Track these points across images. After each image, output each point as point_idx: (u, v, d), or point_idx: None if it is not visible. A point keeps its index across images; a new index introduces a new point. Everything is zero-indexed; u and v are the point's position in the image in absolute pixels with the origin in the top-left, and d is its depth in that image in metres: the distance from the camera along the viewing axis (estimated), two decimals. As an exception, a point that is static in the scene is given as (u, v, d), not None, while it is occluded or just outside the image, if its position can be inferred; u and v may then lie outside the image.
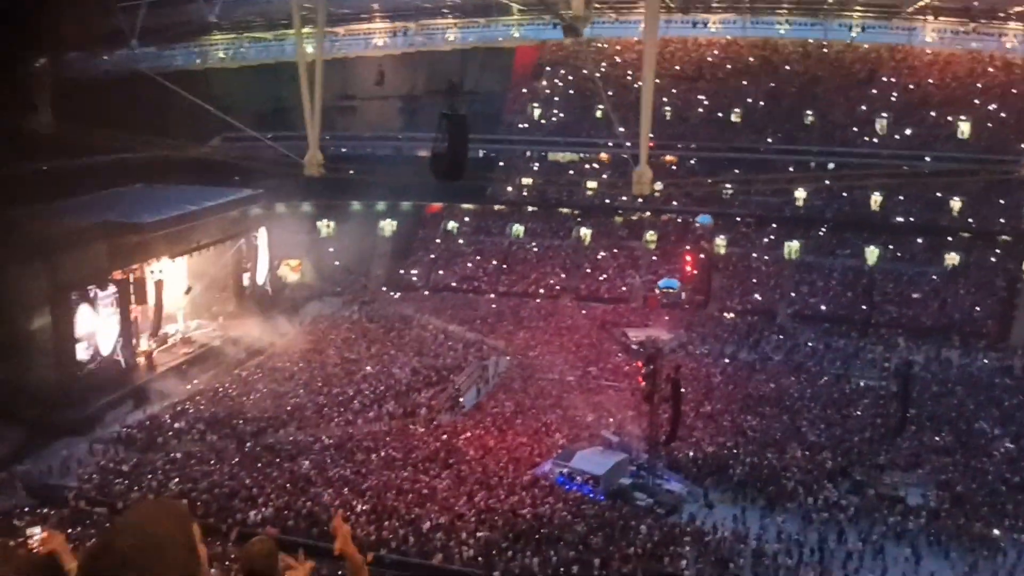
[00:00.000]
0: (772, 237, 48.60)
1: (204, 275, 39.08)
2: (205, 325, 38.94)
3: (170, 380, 33.39)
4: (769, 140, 50.94)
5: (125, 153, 34.93)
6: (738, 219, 49.61)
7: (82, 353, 30.64)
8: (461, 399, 33.10)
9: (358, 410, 31.25)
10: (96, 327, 31.26)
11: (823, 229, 48.70)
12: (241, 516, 22.90)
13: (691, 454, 28.26)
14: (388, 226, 52.38)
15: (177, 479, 25.01)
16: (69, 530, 19.97)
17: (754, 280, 46.63)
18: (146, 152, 37.71)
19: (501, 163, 54.40)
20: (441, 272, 49.36)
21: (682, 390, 28.05)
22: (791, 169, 50.07)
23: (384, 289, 47.79)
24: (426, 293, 47.52)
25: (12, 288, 30.24)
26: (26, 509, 22.17)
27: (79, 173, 36.45)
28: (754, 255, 48.05)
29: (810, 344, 40.10)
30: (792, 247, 47.89)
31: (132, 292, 33.18)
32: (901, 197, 48.37)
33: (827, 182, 49.01)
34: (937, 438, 29.92)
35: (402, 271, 49.53)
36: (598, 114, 51.73)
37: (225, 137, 46.29)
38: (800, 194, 49.45)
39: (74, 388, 30.20)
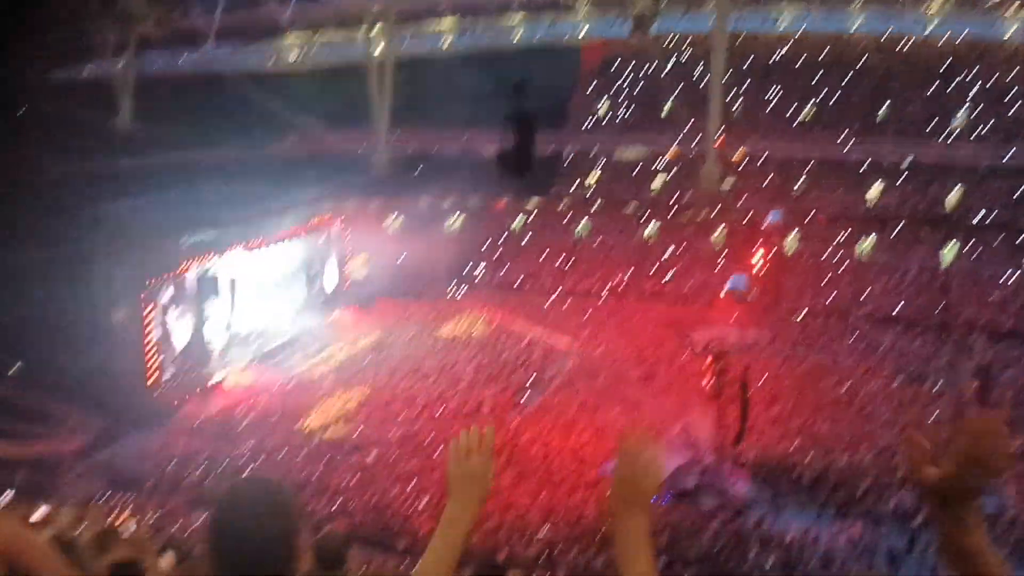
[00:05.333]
0: (845, 235, 47.44)
1: (276, 271, 39.96)
2: (276, 321, 39.81)
3: (242, 374, 34.25)
4: (842, 136, 49.76)
5: (201, 151, 35.94)
6: (809, 217, 48.59)
7: (158, 346, 31.59)
8: (525, 397, 33.18)
9: (423, 406, 31.58)
10: (173, 321, 32.22)
11: (898, 227, 47.37)
12: (311, 508, 23.37)
13: (759, 456, 27.83)
14: (454, 223, 52.80)
15: (248, 471, 25.68)
16: (146, 516, 20.68)
17: (826, 279, 45.61)
18: (222, 150, 38.78)
19: (567, 160, 54.32)
20: (505, 269, 49.51)
21: (750, 391, 27.63)
22: (864, 166, 48.89)
23: (449, 285, 48.15)
24: (490, 290, 47.70)
25: (94, 281, 31.45)
26: (106, 496, 22.98)
27: (157, 170, 37.68)
28: (826, 253, 46.98)
29: (883, 345, 39.04)
30: (865, 245, 46.64)
31: (207, 287, 34.10)
32: (980, 195, 46.80)
33: (902, 179, 47.77)
34: (1018, 443, 28.84)
35: (467, 268, 49.83)
36: (666, 110, 51.30)
37: (298, 135, 47.30)
38: (874, 191, 48.19)
39: (151, 380, 31.21)
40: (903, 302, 43.18)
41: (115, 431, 29.09)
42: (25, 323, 28.60)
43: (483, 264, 50.01)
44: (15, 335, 28.77)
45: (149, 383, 31.08)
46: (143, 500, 23.83)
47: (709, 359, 29.08)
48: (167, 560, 8.05)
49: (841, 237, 47.46)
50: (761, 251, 46.13)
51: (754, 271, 45.20)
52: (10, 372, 28.31)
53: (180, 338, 32.66)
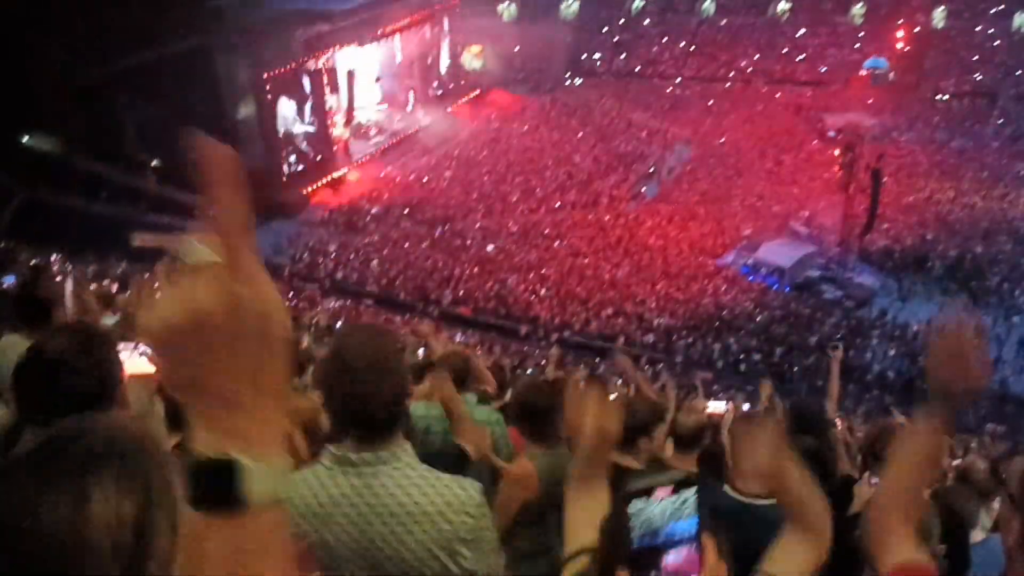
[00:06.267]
0: (1001, 6, 42.81)
1: (391, 63, 39.62)
2: (395, 114, 39.92)
3: (365, 167, 35.00)
4: None
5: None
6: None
7: (284, 140, 32.39)
8: (644, 188, 32.76)
9: (541, 198, 31.71)
10: (295, 115, 32.81)
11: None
12: (436, 296, 24.43)
13: (888, 247, 26.95)
14: (570, 7, 50.37)
15: (376, 260, 26.84)
16: (286, 302, 22.11)
17: (975, 57, 41.79)
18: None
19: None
20: (625, 55, 47.49)
21: (883, 178, 26.36)
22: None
23: (566, 75, 46.77)
24: (609, 78, 46.14)
25: (218, 77, 32.03)
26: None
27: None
28: (977, 28, 42.75)
29: (1036, 128, 36.14)
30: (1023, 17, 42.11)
31: (326, 81, 34.25)
32: None
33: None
34: None
35: (584, 55, 48.04)
36: None
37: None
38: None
39: (280, 173, 32.30)
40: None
41: (253, 221, 30.55)
42: (157, 121, 29.66)
43: (600, 51, 48.08)
44: (150, 133, 29.97)
45: (278, 176, 32.17)
46: (281, 287, 25.39)
47: (840, 147, 27.76)
48: (304, 343, 8.61)
49: (997, 7, 42.97)
50: (905, 27, 42.48)
51: (895, 49, 41.87)
52: (152, 165, 29.74)
53: (305, 132, 33.34)
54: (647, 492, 1.54)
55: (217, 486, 0.74)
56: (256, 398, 0.76)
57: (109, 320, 5.43)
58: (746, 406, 8.41)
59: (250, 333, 0.76)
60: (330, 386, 1.96)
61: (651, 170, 34.17)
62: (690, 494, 1.61)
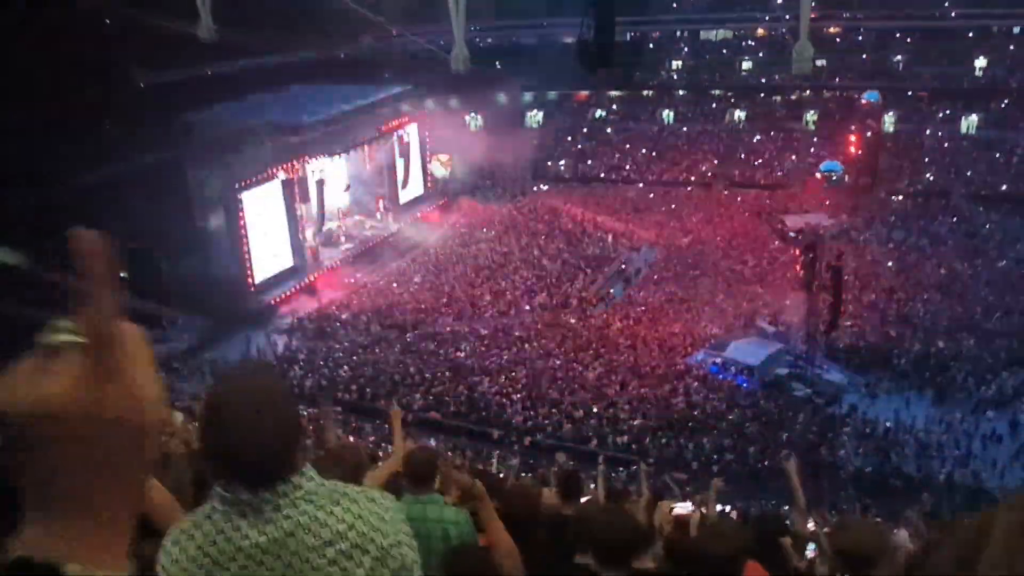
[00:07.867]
0: (947, 112, 44.87)
1: (361, 172, 40.33)
2: (364, 221, 40.41)
3: (335, 274, 35.13)
4: (946, 4, 46.42)
5: (281, 55, 36.07)
6: (909, 93, 46.03)
7: (255, 249, 32.53)
8: (611, 290, 33.15)
9: (510, 301, 31.90)
10: (265, 224, 33.04)
11: (1005, 101, 44.46)
12: (407, 401, 24.17)
13: (853, 343, 27.31)
14: (535, 117, 51.98)
15: (346, 367, 26.62)
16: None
17: (926, 159, 43.49)
18: (300, 52, 38.78)
19: (650, 45, 52.49)
20: (589, 162, 48.80)
21: (844, 278, 26.92)
22: (971, 35, 45.73)
23: (532, 181, 47.82)
24: (574, 184, 47.23)
25: (189, 188, 32.36)
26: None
27: (239, 76, 37.97)
28: (927, 132, 44.65)
29: (988, 226, 37.30)
30: (970, 122, 44.08)
31: (296, 191, 34.70)
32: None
33: (1011, 48, 44.63)
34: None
35: (550, 162, 49.29)
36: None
37: (374, 35, 46.82)
38: (980, 63, 45.16)
39: (250, 282, 32.30)
40: (1010, 180, 40.99)
41: (220, 331, 30.37)
42: (126, 231, 29.72)
43: (565, 158, 49.36)
44: (118, 244, 29.96)
45: (248, 284, 32.16)
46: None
47: (800, 247, 28.40)
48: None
49: (944, 112, 44.99)
50: (857, 132, 44.19)
51: (849, 152, 43.44)
52: (120, 277, 29.57)
53: (274, 240, 33.53)
54: None
55: None
56: (107, 501, 0.69)
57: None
58: (718, 507, 8.34)
59: (110, 431, 0.69)
60: (207, 443, 1.66)
61: (619, 271, 34.69)
62: None
